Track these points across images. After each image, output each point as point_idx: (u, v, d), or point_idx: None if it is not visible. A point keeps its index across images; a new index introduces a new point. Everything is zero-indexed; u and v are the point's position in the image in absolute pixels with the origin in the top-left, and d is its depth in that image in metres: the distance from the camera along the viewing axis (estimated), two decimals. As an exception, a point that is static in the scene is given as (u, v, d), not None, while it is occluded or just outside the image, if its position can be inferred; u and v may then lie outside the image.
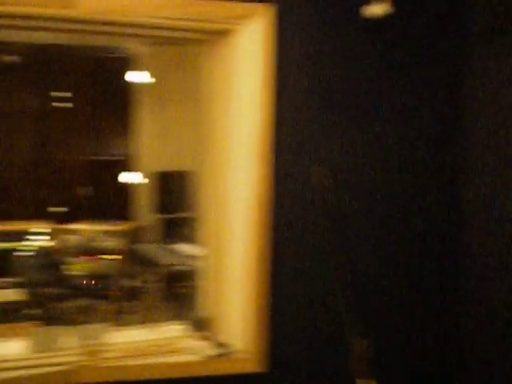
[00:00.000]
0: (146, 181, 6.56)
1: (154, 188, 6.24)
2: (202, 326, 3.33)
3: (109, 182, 6.86)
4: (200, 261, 4.16)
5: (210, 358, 2.94)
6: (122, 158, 6.78)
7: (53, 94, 6.62)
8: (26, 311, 5.74)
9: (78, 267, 5.94)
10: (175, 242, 5.61)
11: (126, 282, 5.86)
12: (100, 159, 6.81)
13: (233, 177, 3.02)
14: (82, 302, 5.31)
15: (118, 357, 2.90)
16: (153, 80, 6.33)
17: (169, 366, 2.88)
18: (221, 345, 3.02)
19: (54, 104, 6.64)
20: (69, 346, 3.01)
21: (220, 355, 2.97)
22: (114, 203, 6.88)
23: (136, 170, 6.68)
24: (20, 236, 6.06)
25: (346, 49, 2.87)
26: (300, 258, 2.94)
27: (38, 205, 6.60)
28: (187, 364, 2.90)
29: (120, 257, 6.01)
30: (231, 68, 3.01)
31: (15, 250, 5.97)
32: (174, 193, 6.17)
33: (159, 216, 6.25)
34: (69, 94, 6.68)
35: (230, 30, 2.85)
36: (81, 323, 4.89)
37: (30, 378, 2.72)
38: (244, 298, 3.01)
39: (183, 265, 4.85)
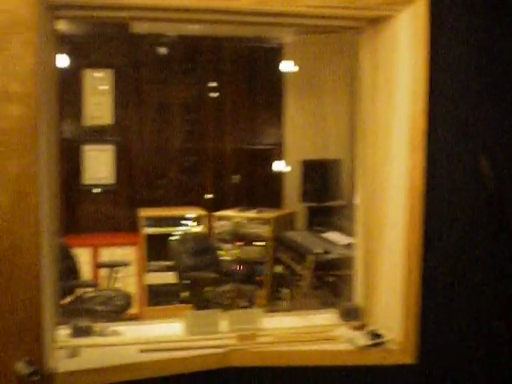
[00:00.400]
0: (293, 169, 6.62)
1: (301, 176, 6.29)
2: (352, 315, 3.32)
3: (259, 170, 7.00)
4: (351, 249, 4.15)
5: (362, 348, 2.93)
6: (272, 146, 6.89)
7: (207, 84, 6.82)
8: (181, 294, 6.02)
9: (228, 253, 6.14)
10: (323, 231, 5.62)
11: (276, 269, 5.99)
12: (251, 148, 6.96)
13: (389, 166, 2.98)
14: (233, 286, 5.48)
15: (271, 342, 2.95)
16: (297, 69, 6.36)
17: (321, 353, 2.90)
18: (373, 335, 3.00)
19: (210, 94, 6.84)
20: (222, 329, 3.10)
21: (372, 345, 2.94)
22: (263, 191, 7.01)
23: (284, 159, 6.76)
24: (176, 221, 6.33)
25: (506, 34, 2.74)
26: (452, 247, 2.86)
27: (192, 192, 6.86)
28: (339, 352, 2.90)
29: (269, 243, 6.12)
30: (386, 56, 2.97)
31: (171, 234, 6.25)
32: (321, 181, 6.18)
33: (306, 204, 6.29)
34: (220, 84, 6.86)
35: (387, 16, 2.80)
36: (233, 308, 5.06)
37: (185, 358, 2.83)
38: (395, 288, 2.97)
39: (333, 253, 4.84)
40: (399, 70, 2.88)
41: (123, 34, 6.51)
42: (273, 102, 6.92)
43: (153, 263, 6.30)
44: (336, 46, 6.51)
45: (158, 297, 6.29)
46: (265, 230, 6.16)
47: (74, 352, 2.81)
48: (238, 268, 6.04)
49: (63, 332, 3.00)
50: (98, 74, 6.59)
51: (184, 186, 6.89)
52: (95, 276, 5.98)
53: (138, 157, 6.80)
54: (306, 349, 2.91)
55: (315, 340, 2.99)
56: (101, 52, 6.59)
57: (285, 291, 3.32)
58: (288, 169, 6.68)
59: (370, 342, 2.95)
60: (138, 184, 6.81)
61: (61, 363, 2.68)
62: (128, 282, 6.16)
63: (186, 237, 5.51)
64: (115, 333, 3.05)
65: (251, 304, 4.90)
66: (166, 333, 3.08)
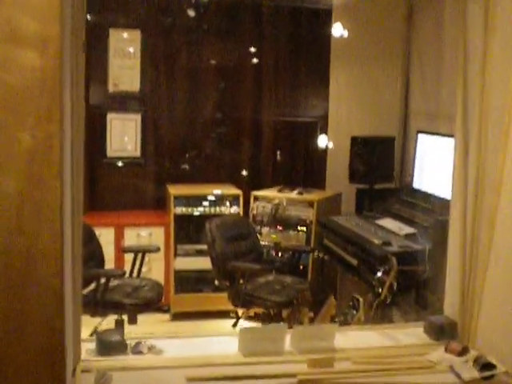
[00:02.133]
0: (339, 146, 5.94)
1: (348, 154, 5.60)
2: (444, 332, 2.67)
3: (300, 145, 6.32)
4: (414, 242, 3.50)
5: (471, 382, 2.28)
6: (316, 119, 6.20)
7: (245, 49, 6.13)
8: (216, 282, 5.39)
9: (266, 238, 5.50)
10: (377, 217, 4.95)
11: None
12: (293, 120, 6.27)
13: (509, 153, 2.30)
14: (273, 277, 4.86)
15: (354, 371, 2.32)
16: (347, 34, 5.65)
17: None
18: (481, 364, 2.35)
19: (248, 61, 6.15)
20: (287, 349, 2.47)
21: (482, 379, 2.30)
22: (304, 169, 6.34)
23: (330, 134, 6.07)
24: (208, 201, 5.69)
25: None
26: None
27: (225, 168, 6.21)
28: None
29: (311, 228, 5.48)
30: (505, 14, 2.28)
31: (203, 215, 5.62)
32: (372, 160, 5.49)
33: (354, 186, 5.61)
34: (260, 50, 6.16)
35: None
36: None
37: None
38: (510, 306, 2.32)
39: (394, 245, 4.18)
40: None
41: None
42: (318, 70, 6.22)
43: (181, 246, 5.68)
44: (390, 9, 5.82)
45: (187, 284, 5.68)
46: (308, 214, 5.50)
47: (103, 377, 2.19)
48: (277, 255, 5.40)
49: (88, 346, 2.37)
50: (125, 34, 5.92)
51: (216, 162, 6.24)
52: (119, 260, 5.37)
53: (166, 128, 6.16)
54: (400, 381, 2.28)
55: (408, 368, 2.35)
56: (128, 11, 5.91)
57: (359, 298, 2.69)
58: (332, 145, 5.99)
59: (479, 375, 2.31)
60: (166, 158, 6.17)
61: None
62: (154, 266, 5.56)
63: (224, 219, 4.85)
64: (153, 350, 2.42)
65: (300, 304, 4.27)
66: (216, 352, 2.45)
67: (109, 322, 4.13)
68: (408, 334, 2.71)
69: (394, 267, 2.73)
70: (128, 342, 2.43)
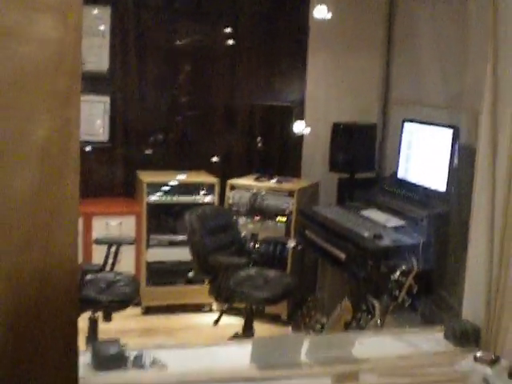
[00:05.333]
0: (318, 132, 5.72)
1: (327, 141, 5.39)
2: (466, 338, 2.48)
3: (277, 131, 6.05)
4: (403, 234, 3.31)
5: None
6: (293, 105, 5.94)
7: (221, 30, 5.84)
8: (194, 274, 5.13)
9: (245, 229, 5.26)
10: (361, 207, 4.76)
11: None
12: (268, 105, 6.01)
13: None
14: (255, 270, 4.63)
15: (382, 385, 2.11)
16: (332, 17, 5.42)
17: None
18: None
19: (223, 42, 5.85)
20: (303, 360, 2.25)
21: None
22: (283, 156, 6.08)
23: (307, 120, 5.83)
24: (182, 189, 5.41)
25: None
26: None
27: (198, 154, 5.91)
28: (482, 406, 2.07)
29: (291, 219, 5.27)
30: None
31: (176, 204, 5.35)
32: (353, 148, 5.30)
33: (334, 175, 5.41)
34: (235, 31, 5.88)
35: None
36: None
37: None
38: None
39: (384, 239, 3.99)
40: None
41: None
42: (296, 53, 5.97)
43: (153, 237, 5.39)
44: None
45: (159, 276, 5.40)
46: (288, 204, 5.27)
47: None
48: (254, 246, 5.17)
49: (82, 360, 2.09)
50: (93, 10, 5.56)
51: (189, 147, 5.94)
52: (86, 252, 5.05)
53: (136, 111, 5.81)
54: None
55: (440, 381, 2.16)
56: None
57: (374, 301, 2.48)
58: (310, 132, 5.76)
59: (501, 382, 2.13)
60: (136, 142, 5.84)
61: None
62: (124, 258, 5.25)
63: (204, 210, 4.59)
64: (156, 363, 2.16)
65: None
66: (225, 364, 2.21)
67: (83, 318, 3.84)
68: (429, 340, 2.52)
69: (415, 268, 2.53)
70: (127, 353, 2.17)
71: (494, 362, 2.25)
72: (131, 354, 2.18)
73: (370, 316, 2.46)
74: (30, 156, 1.25)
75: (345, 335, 2.35)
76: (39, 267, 1.33)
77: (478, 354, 2.29)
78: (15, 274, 1.31)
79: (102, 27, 5.61)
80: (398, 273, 2.56)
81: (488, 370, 2.21)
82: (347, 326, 2.43)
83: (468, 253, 2.58)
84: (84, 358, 2.11)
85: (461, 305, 2.63)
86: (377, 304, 2.51)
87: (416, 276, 2.89)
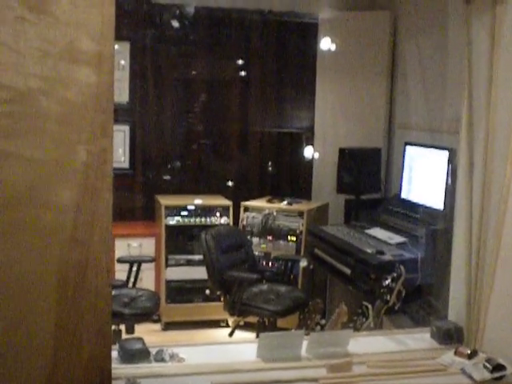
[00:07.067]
0: (326, 157, 6.06)
1: (335, 165, 5.73)
2: (451, 336, 2.79)
3: (289, 156, 6.41)
4: (404, 250, 3.60)
5: (482, 382, 2.39)
6: (302, 131, 6.30)
7: (233, 62, 6.22)
8: (210, 291, 5.46)
9: (258, 248, 5.58)
10: (366, 227, 5.07)
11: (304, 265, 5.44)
12: (279, 132, 6.37)
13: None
14: (267, 286, 4.93)
15: (371, 374, 2.42)
16: (339, 48, 5.80)
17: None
18: (492, 366, 2.46)
19: (236, 73, 6.24)
20: (304, 354, 2.56)
21: (493, 379, 2.41)
22: (294, 179, 6.43)
23: (316, 145, 6.18)
24: (199, 211, 5.76)
25: None
26: None
27: (214, 179, 6.27)
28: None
29: (301, 238, 5.58)
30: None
31: (193, 225, 5.69)
32: (359, 171, 5.62)
33: (341, 196, 5.74)
34: (247, 63, 6.26)
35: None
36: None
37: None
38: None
39: (387, 254, 4.29)
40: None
41: (142, 3, 5.91)
42: (304, 82, 6.34)
43: (171, 257, 5.73)
44: (375, 24, 5.98)
45: (178, 294, 5.73)
46: (298, 224, 5.60)
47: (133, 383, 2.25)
48: (267, 265, 5.49)
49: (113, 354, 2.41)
50: (116, 46, 5.94)
51: (205, 173, 6.31)
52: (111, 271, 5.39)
53: (154, 139, 6.21)
54: (416, 383, 2.38)
55: (421, 372, 2.46)
56: (118, 23, 5.93)
57: (368, 305, 2.79)
58: (319, 156, 6.10)
59: (490, 376, 2.42)
60: (155, 169, 6.22)
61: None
62: (145, 276, 5.60)
63: (219, 230, 4.92)
64: (175, 357, 2.49)
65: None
66: (237, 358, 2.53)
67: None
68: (416, 339, 2.82)
69: (403, 275, 2.84)
70: (150, 349, 2.49)
71: (471, 355, 2.54)
72: (153, 350, 2.50)
73: (364, 319, 2.77)
74: (74, 176, 1.59)
75: (340, 333, 2.66)
76: (81, 264, 1.65)
77: (458, 349, 2.59)
78: (60, 268, 1.63)
79: (122, 61, 6.00)
80: (389, 279, 2.87)
81: (466, 362, 2.50)
82: (344, 328, 2.72)
83: (452, 265, 2.89)
84: (113, 353, 2.44)
85: (446, 308, 2.93)
86: (370, 307, 2.81)
87: (411, 285, 3.18)
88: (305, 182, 6.36)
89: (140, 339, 2.53)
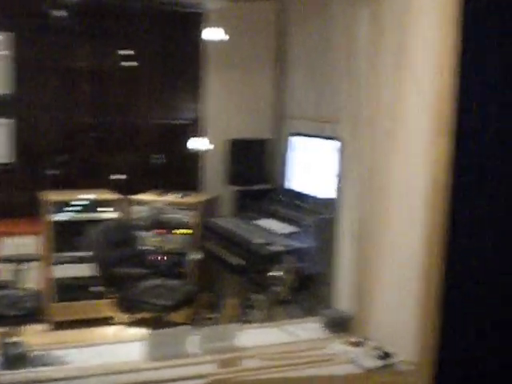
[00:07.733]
0: (216, 148, 6.01)
1: (225, 156, 5.71)
2: (340, 325, 2.83)
3: (175, 148, 6.31)
4: (294, 240, 3.63)
5: (371, 371, 2.44)
6: (190, 122, 6.23)
7: (118, 52, 6.06)
8: (95, 288, 5.30)
9: (148, 242, 5.48)
10: (255, 217, 5.09)
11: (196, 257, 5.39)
12: (165, 123, 6.27)
13: (400, 155, 2.47)
14: (158, 281, 4.84)
15: (260, 368, 2.41)
16: (226, 38, 5.75)
17: (325, 380, 2.39)
18: (380, 354, 2.52)
19: (121, 63, 6.07)
20: (193, 350, 2.53)
21: (381, 367, 2.46)
22: (181, 172, 6.34)
23: (205, 137, 6.12)
24: (86, 206, 5.58)
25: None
26: (482, 249, 2.41)
27: (101, 172, 6.09)
28: (346, 378, 2.40)
29: (192, 231, 5.53)
30: (395, 19, 2.46)
31: (81, 221, 5.51)
32: (248, 162, 5.65)
33: (232, 188, 5.72)
34: (134, 52, 6.11)
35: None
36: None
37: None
38: (405, 297, 2.50)
39: (275, 244, 4.31)
40: (416, 36, 2.38)
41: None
42: (190, 73, 6.25)
43: (58, 254, 5.52)
44: (263, 15, 6.00)
45: (66, 292, 5.54)
46: (189, 217, 5.54)
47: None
48: (160, 259, 5.41)
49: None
50: (-2, 36, 5.68)
51: (91, 167, 6.12)
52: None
53: (39, 133, 5.96)
54: (305, 375, 2.39)
55: (311, 362, 2.48)
56: (1, 13, 5.67)
57: (258, 297, 2.78)
58: (213, 147, 6.04)
59: (379, 364, 2.47)
60: (40, 164, 5.96)
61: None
62: (30, 276, 5.36)
63: (106, 225, 4.79)
64: (59, 361, 2.39)
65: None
66: (125, 358, 2.46)
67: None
68: (306, 329, 2.84)
69: (292, 265, 2.85)
70: (32, 354, 2.38)
71: (359, 344, 2.58)
72: (36, 353, 2.39)
73: (255, 311, 2.75)
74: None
75: (230, 327, 2.64)
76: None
77: (347, 338, 2.63)
78: None
79: (5, 52, 5.73)
80: (278, 270, 2.86)
81: (355, 351, 2.54)
82: (235, 321, 2.70)
83: (336, 254, 2.92)
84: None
85: (336, 298, 2.97)
86: (261, 299, 2.80)
87: (301, 275, 3.20)
88: (194, 174, 6.29)
89: (19, 343, 2.41)
